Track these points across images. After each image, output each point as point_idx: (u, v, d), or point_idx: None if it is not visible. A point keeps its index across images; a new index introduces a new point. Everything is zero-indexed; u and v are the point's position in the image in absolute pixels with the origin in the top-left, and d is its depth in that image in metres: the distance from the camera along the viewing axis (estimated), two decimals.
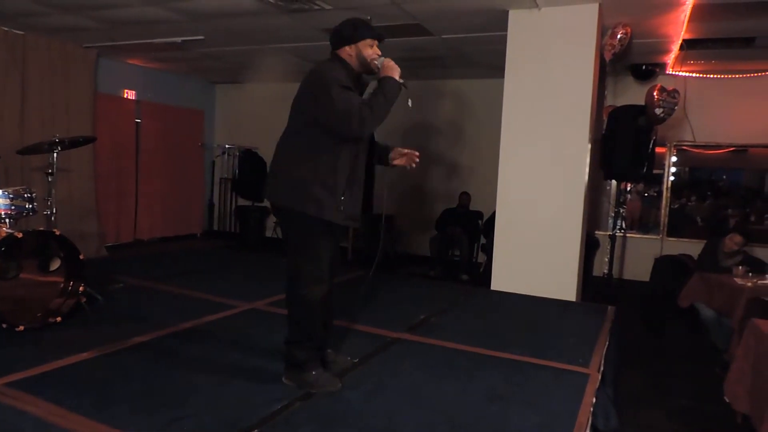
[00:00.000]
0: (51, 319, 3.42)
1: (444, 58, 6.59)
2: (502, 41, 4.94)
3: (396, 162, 2.95)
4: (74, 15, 5.36)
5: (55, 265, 3.57)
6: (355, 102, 2.44)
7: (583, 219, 4.81)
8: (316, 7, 4.81)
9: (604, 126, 6.00)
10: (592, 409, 2.54)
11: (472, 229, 7.31)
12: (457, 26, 5.26)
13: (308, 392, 2.57)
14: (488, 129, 6.83)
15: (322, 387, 2.60)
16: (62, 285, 3.59)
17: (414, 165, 2.92)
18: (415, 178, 8.25)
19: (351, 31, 2.62)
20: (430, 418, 2.40)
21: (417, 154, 2.90)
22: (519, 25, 4.82)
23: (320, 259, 2.57)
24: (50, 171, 3.95)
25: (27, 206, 3.64)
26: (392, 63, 2.57)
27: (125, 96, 7.62)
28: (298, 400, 2.49)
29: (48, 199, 3.94)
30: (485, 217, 7.28)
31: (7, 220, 3.53)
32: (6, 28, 5.81)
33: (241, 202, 8.80)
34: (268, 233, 8.72)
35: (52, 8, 5.14)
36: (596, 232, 7.05)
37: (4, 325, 3.17)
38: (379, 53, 2.64)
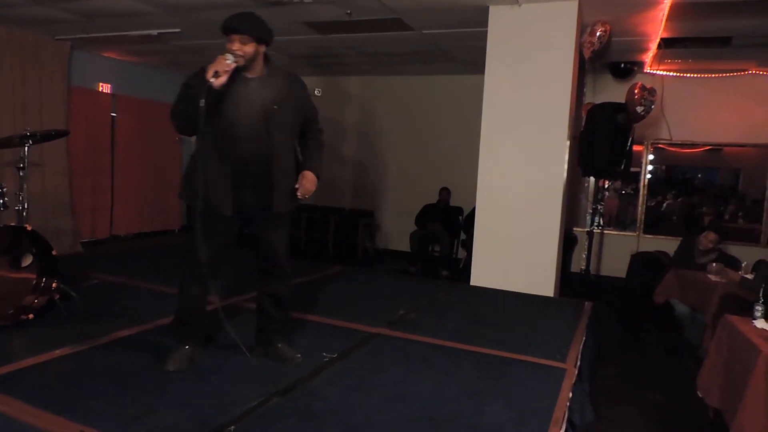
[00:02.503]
0: (23, 317, 3.34)
1: (424, 53, 6.59)
2: (483, 37, 4.95)
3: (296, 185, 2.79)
4: (46, 6, 5.23)
5: (27, 261, 3.49)
6: (178, 98, 2.59)
7: (562, 215, 4.85)
8: (296, 1, 4.76)
9: (583, 123, 6.06)
10: (568, 404, 2.57)
11: (452, 225, 7.33)
12: (438, 21, 5.26)
13: (285, 388, 2.55)
14: (468, 125, 6.84)
15: (166, 362, 2.72)
16: (35, 281, 3.51)
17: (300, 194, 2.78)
18: (395, 174, 8.25)
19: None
20: (408, 413, 2.40)
21: (309, 189, 2.77)
22: (499, 21, 4.84)
23: (194, 240, 2.62)
24: (22, 165, 3.86)
25: None
26: (217, 60, 2.45)
27: (100, 89, 7.46)
28: (274, 396, 2.47)
29: (20, 194, 3.85)
30: (465, 213, 7.31)
31: None
32: None
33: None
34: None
35: None
36: (574, 228, 7.13)
37: None
38: (235, 48, 2.51)
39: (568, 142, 4.89)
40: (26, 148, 3.84)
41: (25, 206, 3.86)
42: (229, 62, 2.46)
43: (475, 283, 5.02)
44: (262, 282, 2.95)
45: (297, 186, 2.75)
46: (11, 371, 2.63)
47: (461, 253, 7.37)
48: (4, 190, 3.61)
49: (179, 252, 2.96)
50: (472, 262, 5.09)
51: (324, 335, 3.39)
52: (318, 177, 2.82)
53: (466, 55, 6.49)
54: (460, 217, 7.47)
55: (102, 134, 7.43)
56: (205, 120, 2.46)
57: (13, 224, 3.48)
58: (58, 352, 2.89)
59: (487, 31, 4.91)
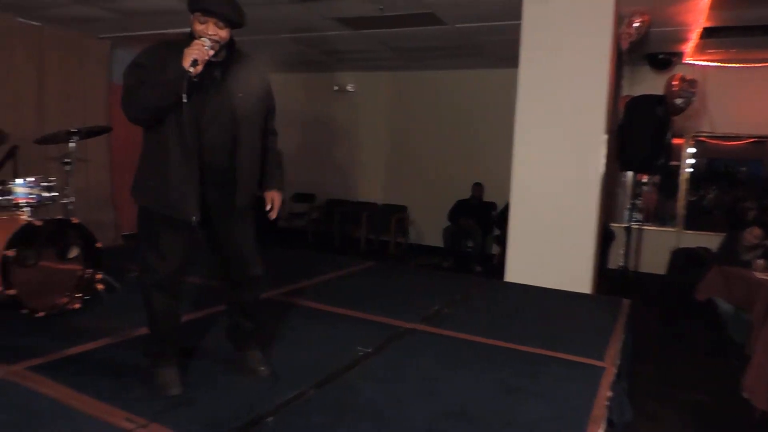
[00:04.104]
0: (70, 306, 3.48)
1: (456, 47, 6.53)
2: (516, 30, 4.89)
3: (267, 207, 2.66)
4: (89, 6, 5.39)
5: (74, 253, 3.61)
6: (130, 82, 2.24)
7: (599, 211, 4.76)
8: None
9: (621, 116, 5.93)
10: (607, 402, 2.53)
11: (485, 221, 7.28)
12: (471, 15, 5.21)
13: (321, 381, 2.58)
14: (502, 119, 6.76)
15: (159, 387, 2.40)
16: (80, 273, 3.64)
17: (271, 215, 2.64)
18: (428, 169, 8.23)
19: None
20: (442, 408, 2.40)
21: (275, 209, 2.65)
22: (533, 13, 4.77)
23: (154, 247, 2.38)
24: (68, 160, 3.99)
25: (46, 195, 3.68)
26: (196, 46, 2.16)
27: None
28: (311, 388, 2.51)
29: (66, 189, 3.98)
30: (498, 209, 7.25)
31: (26, 209, 3.58)
32: (24, 20, 5.86)
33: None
34: (281, 223, 8.76)
35: None
36: (611, 224, 6.99)
37: (25, 311, 3.23)
38: (211, 33, 2.22)
39: (605, 136, 4.78)
40: (72, 144, 3.97)
41: (71, 200, 4.00)
42: (206, 48, 2.18)
43: (509, 279, 4.98)
44: (228, 291, 2.66)
45: (268, 207, 2.60)
46: (59, 358, 2.74)
47: (494, 249, 7.31)
48: (53, 184, 3.74)
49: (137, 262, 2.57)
50: (507, 258, 5.05)
51: (358, 330, 3.42)
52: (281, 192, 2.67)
53: (499, 48, 6.41)
54: (494, 213, 7.41)
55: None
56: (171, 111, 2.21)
57: (60, 217, 3.60)
58: (103, 341, 2.99)
59: (520, 23, 4.84)
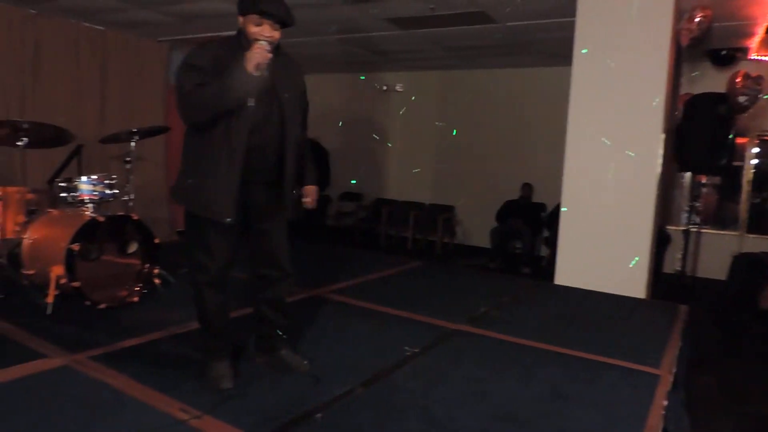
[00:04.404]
0: (129, 299, 3.64)
1: (507, 45, 6.44)
2: (570, 27, 4.78)
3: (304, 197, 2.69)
4: (148, 10, 5.60)
5: (133, 248, 3.76)
6: (188, 85, 2.24)
7: (655, 212, 4.60)
8: None
9: (680, 115, 5.70)
10: (663, 412, 2.44)
11: (534, 221, 7.15)
12: (523, 13, 5.12)
13: (368, 380, 2.60)
14: (553, 118, 6.63)
15: (212, 381, 2.47)
16: (139, 267, 3.79)
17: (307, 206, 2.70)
18: (476, 169, 8.15)
19: (241, 2, 2.32)
20: (490, 411, 2.38)
21: (312, 202, 2.70)
22: (588, 9, 4.65)
23: (203, 245, 2.42)
24: (128, 159, 4.16)
25: (108, 192, 3.85)
26: (258, 49, 2.17)
27: None
28: (360, 386, 2.53)
29: (126, 186, 4.16)
30: (548, 209, 7.11)
31: (90, 205, 3.75)
32: (89, 25, 6.14)
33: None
34: (329, 222, 8.87)
35: (129, 4, 5.39)
36: (668, 226, 6.73)
37: (88, 303, 3.40)
38: (268, 35, 2.25)
39: (663, 136, 4.62)
40: (132, 144, 4.14)
41: (131, 197, 4.17)
42: (267, 52, 2.19)
43: (559, 282, 4.87)
44: (260, 287, 2.66)
45: (306, 201, 2.66)
46: (119, 349, 2.87)
47: (544, 251, 7.17)
48: (115, 181, 3.91)
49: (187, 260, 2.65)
50: (557, 260, 4.94)
51: (405, 329, 3.42)
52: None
53: (551, 46, 6.28)
54: (543, 214, 7.27)
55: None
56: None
57: (121, 213, 3.77)
58: (159, 334, 3.11)
59: (574, 20, 4.72)
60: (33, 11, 5.60)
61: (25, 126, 3.75)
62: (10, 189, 3.78)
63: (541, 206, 7.31)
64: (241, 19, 2.33)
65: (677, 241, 6.37)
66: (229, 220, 2.32)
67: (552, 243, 5.81)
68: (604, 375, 2.85)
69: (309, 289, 4.24)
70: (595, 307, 4.22)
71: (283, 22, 2.31)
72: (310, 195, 2.70)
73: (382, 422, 2.23)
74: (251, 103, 2.23)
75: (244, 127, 2.29)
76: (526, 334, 3.40)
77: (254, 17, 2.27)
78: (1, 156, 3.90)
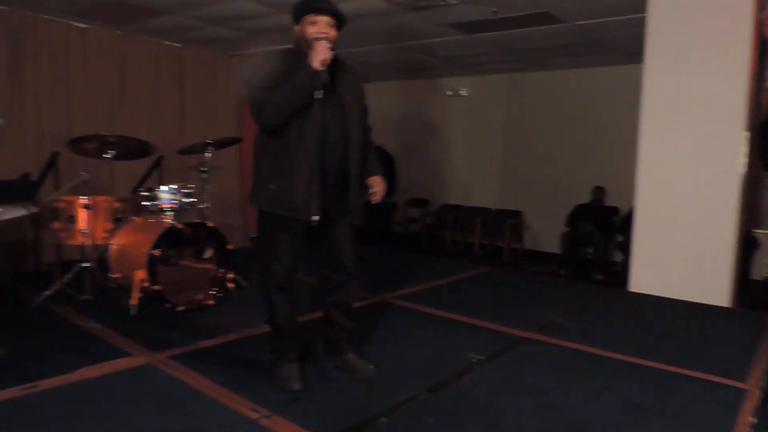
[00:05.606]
0: (204, 302, 3.82)
1: (574, 45, 6.26)
2: (640, 23, 4.59)
3: (371, 189, 2.69)
4: (221, 27, 5.88)
5: (209, 253, 3.95)
6: (258, 90, 2.35)
7: (739, 215, 4.31)
8: (442, 3, 4.81)
9: (765, 111, 5.32)
10: (750, 430, 2.28)
11: (606, 226, 6.88)
12: (590, 11, 4.96)
13: (434, 386, 2.60)
14: (624, 118, 6.39)
15: (281, 381, 2.56)
16: (214, 272, 3.98)
17: (374, 200, 2.68)
18: (544, 173, 7.96)
19: (295, 9, 2.44)
20: (560, 422, 2.31)
21: (380, 194, 2.68)
22: (661, 4, 4.44)
23: (273, 251, 2.52)
24: (204, 169, 4.38)
25: (186, 200, 4.06)
26: (319, 48, 2.29)
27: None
28: (424, 392, 2.53)
29: (202, 195, 4.37)
30: (621, 213, 6.82)
31: (169, 213, 3.97)
32: (168, 42, 6.53)
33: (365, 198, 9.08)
34: (396, 228, 8.92)
35: (204, 22, 5.68)
36: (756, 230, 6.28)
37: (167, 305, 3.60)
38: (324, 32, 2.36)
39: (746, 134, 4.33)
40: (208, 154, 4.36)
41: (207, 205, 4.38)
42: (329, 47, 2.32)
43: (634, 289, 4.66)
44: (328, 291, 2.72)
45: (373, 191, 2.66)
46: (196, 349, 3.02)
47: (617, 256, 6.89)
48: (192, 191, 4.13)
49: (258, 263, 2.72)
50: (631, 267, 4.73)
51: (471, 336, 3.39)
52: None
53: (620, 43, 6.04)
54: (616, 217, 6.98)
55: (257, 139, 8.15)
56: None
57: (197, 221, 3.97)
58: (232, 336, 3.25)
59: (645, 16, 4.53)
60: (119, 32, 6.02)
61: (112, 139, 4.02)
62: (99, 198, 4.08)
63: (614, 210, 7.03)
64: (296, 27, 2.46)
65: (767, 246, 5.94)
66: (315, 218, 2.40)
67: (626, 248, 5.57)
68: (683, 388, 2.70)
69: (376, 294, 4.28)
70: (673, 316, 4.01)
71: (335, 15, 2.41)
72: (376, 185, 2.69)
73: (447, 429, 2.23)
74: (319, 95, 2.33)
75: (315, 128, 2.38)
76: (598, 344, 3.28)
77: (309, 17, 2.38)
78: (92, 168, 4.20)
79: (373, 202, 2.69)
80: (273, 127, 2.41)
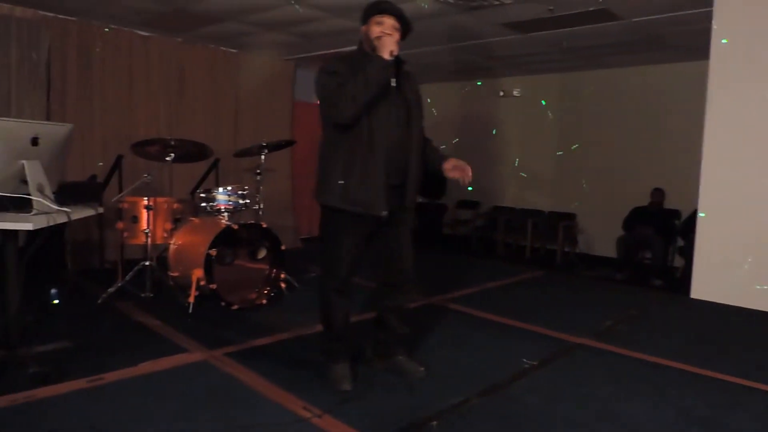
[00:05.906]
0: (258, 302, 3.91)
1: (633, 43, 6.04)
2: (705, 19, 4.39)
3: (450, 174, 2.66)
4: (276, 32, 6.01)
5: (262, 254, 4.05)
6: (331, 86, 2.41)
7: None
8: (496, 3, 4.75)
9: None
10: None
11: (666, 230, 6.60)
12: (650, 7, 4.77)
13: (485, 390, 2.56)
14: (686, 118, 6.13)
15: (332, 382, 2.58)
16: (267, 272, 4.07)
17: (467, 180, 2.61)
18: (600, 174, 7.72)
19: (365, 10, 2.55)
20: None
21: (469, 168, 2.63)
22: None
23: (336, 251, 2.54)
24: (258, 171, 4.49)
25: (241, 202, 4.17)
26: (387, 40, 2.39)
27: (318, 103, 8.32)
28: (476, 396, 2.50)
29: (257, 196, 4.48)
30: (683, 217, 6.53)
31: (225, 214, 4.10)
32: (224, 48, 6.73)
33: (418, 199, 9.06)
34: (446, 230, 8.87)
35: (259, 27, 5.83)
36: None
37: (223, 304, 3.71)
38: (388, 32, 2.44)
39: None
40: (262, 157, 4.46)
41: (261, 206, 4.48)
42: (395, 40, 2.44)
43: (696, 296, 4.46)
44: (385, 294, 2.74)
45: (458, 170, 2.62)
46: (250, 347, 3.10)
47: (677, 261, 6.60)
48: (247, 192, 4.24)
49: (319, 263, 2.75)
50: (693, 272, 4.53)
51: (523, 341, 3.33)
52: None
53: (683, 40, 5.78)
54: (677, 221, 6.69)
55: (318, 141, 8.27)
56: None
57: (252, 222, 4.07)
58: (285, 335, 3.31)
59: (711, 11, 4.33)
60: (179, 39, 6.26)
61: (173, 143, 4.18)
62: (160, 199, 4.25)
63: (675, 213, 6.73)
64: (363, 27, 2.56)
65: None
66: (384, 213, 2.45)
67: (687, 253, 5.33)
68: (748, 401, 2.56)
69: (427, 297, 4.27)
70: (738, 324, 3.82)
71: (401, 16, 2.50)
72: (452, 167, 2.64)
73: None
74: (393, 83, 2.42)
75: (384, 125, 2.45)
76: (657, 352, 3.16)
77: (376, 17, 2.49)
78: (153, 170, 4.38)
79: (467, 180, 2.62)
80: (347, 120, 2.43)
